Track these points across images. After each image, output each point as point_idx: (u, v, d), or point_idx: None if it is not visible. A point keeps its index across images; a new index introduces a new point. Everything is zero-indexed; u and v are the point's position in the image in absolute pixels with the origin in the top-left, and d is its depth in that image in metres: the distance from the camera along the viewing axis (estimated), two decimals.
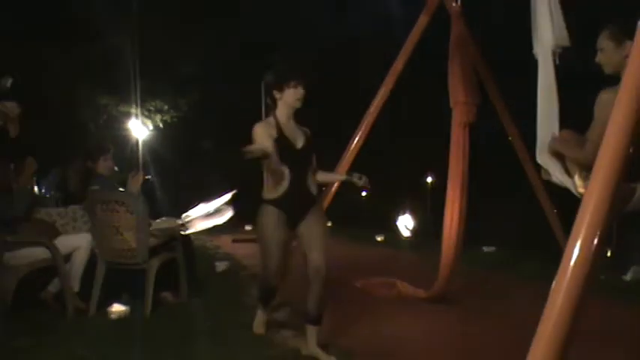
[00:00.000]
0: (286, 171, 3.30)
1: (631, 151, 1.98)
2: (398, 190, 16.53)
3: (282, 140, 3.32)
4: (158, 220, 4.95)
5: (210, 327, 3.99)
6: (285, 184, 3.31)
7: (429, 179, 18.82)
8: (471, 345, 3.62)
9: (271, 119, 3.41)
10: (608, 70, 3.23)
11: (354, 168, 4.49)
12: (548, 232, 5.38)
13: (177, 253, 4.81)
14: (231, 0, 16.76)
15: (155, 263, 4.42)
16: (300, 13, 17.18)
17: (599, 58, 3.25)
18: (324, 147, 3.96)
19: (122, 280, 4.57)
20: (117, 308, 4.25)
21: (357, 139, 4.58)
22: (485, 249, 8.85)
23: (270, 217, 3.35)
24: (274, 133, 3.33)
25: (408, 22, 4.92)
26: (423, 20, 4.66)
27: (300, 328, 3.85)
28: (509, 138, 5.25)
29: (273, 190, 3.35)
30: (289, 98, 3.34)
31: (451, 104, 4.48)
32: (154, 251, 4.50)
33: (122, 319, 4.18)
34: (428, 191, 18.06)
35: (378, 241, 11.23)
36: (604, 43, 3.19)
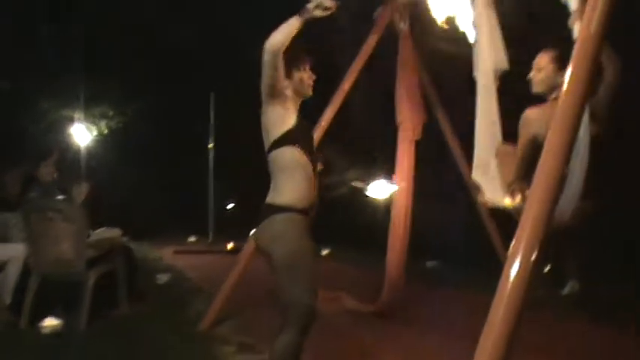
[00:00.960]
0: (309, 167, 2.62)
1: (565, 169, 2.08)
2: (344, 205, 16.63)
3: (300, 128, 2.68)
4: (98, 230, 4.81)
5: (150, 341, 3.88)
6: (310, 184, 2.61)
7: None
8: (415, 358, 3.66)
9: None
10: (538, 88, 3.38)
11: None
12: (490, 247, 5.52)
13: (117, 264, 4.67)
14: (181, 7, 16.55)
15: (93, 275, 4.28)
16: (243, 26, 17.16)
17: (535, 75, 3.39)
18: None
19: (57, 293, 4.40)
20: (50, 322, 4.09)
21: None
22: (429, 263, 9.00)
23: (299, 228, 2.55)
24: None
25: (357, 41, 4.97)
26: (371, 40, 4.72)
27: (243, 343, 3.81)
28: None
29: (297, 192, 2.56)
30: (303, 84, 2.71)
31: (397, 122, 4.56)
32: (92, 262, 4.35)
33: (56, 333, 4.02)
34: (375, 204, 18.25)
35: (323, 255, 11.26)
36: (545, 64, 3.34)
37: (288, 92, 2.66)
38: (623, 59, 3.18)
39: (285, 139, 2.57)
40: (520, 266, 1.77)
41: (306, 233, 2.58)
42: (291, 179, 2.57)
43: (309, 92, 2.72)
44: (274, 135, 2.59)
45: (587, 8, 2.18)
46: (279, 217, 2.52)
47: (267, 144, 2.65)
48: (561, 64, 3.25)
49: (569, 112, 2.08)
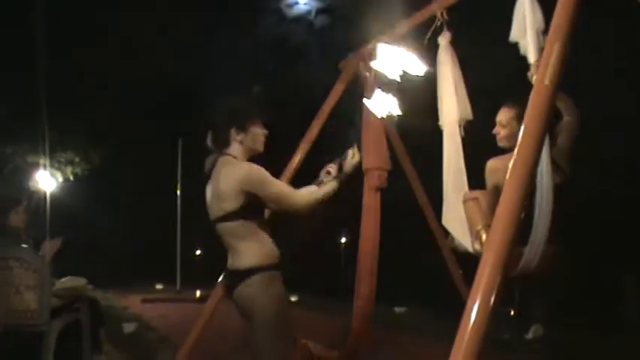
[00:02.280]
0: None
1: (522, 215, 2.17)
2: (311, 251, 16.62)
3: None
4: (63, 279, 4.71)
5: None
6: (271, 235, 2.58)
7: (343, 240, 19.09)
8: None
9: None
10: (504, 144, 3.51)
11: None
12: (455, 294, 5.58)
13: (81, 314, 4.57)
14: (147, 49, 16.67)
15: (57, 326, 4.17)
16: (212, 71, 17.36)
17: (499, 131, 3.52)
18: None
19: (18, 344, 4.27)
20: None
21: None
22: (397, 309, 9.01)
23: (276, 286, 2.49)
24: None
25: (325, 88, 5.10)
26: (338, 88, 4.86)
27: None
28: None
29: (263, 249, 2.51)
30: (255, 141, 2.64)
31: (363, 169, 4.65)
32: (56, 312, 4.25)
33: None
34: (342, 251, 18.29)
35: (292, 302, 11.16)
36: (507, 120, 3.47)
37: (240, 147, 2.59)
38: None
39: (242, 213, 2.47)
40: (478, 311, 1.83)
41: (283, 289, 2.50)
42: (253, 242, 2.49)
43: (261, 148, 2.66)
44: (231, 206, 2.48)
45: (542, 60, 2.33)
46: (254, 279, 2.44)
47: (218, 212, 2.54)
48: (523, 120, 3.39)
49: (524, 161, 2.19)
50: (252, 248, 2.47)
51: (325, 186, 2.55)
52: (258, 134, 2.63)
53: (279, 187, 2.52)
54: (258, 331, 2.45)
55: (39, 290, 4.07)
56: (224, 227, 2.50)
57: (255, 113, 2.65)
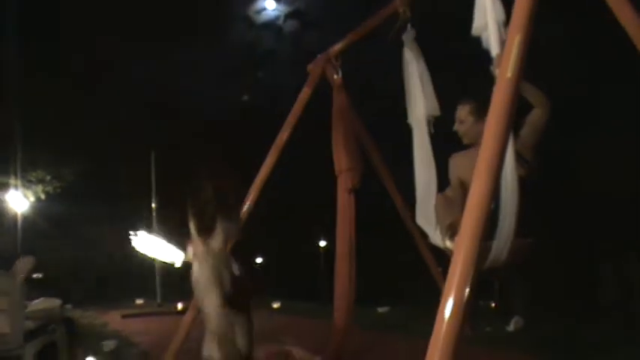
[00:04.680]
0: None
1: (491, 208, 2.17)
2: (291, 256, 16.60)
3: None
4: (36, 301, 4.61)
5: None
6: None
7: (323, 243, 19.08)
8: None
9: None
10: (466, 140, 3.53)
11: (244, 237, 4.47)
12: (437, 291, 5.60)
13: (57, 335, 4.48)
14: (118, 63, 16.50)
15: (31, 348, 4.08)
16: (185, 79, 17.23)
17: (459, 128, 3.55)
18: None
19: None
20: None
21: (245, 208, 4.59)
22: (380, 309, 9.01)
23: None
24: None
25: (293, 93, 5.08)
26: (306, 92, 4.85)
27: None
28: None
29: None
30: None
31: (336, 172, 4.65)
32: (30, 335, 4.16)
33: None
34: (320, 255, 18.29)
35: (274, 308, 11.11)
36: (465, 116, 3.50)
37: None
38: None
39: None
40: (453, 305, 1.83)
41: None
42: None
43: (237, 237, 2.88)
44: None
45: (504, 53, 2.34)
46: None
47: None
48: (480, 113, 3.41)
49: (489, 155, 2.19)
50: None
51: None
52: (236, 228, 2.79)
53: (223, 282, 2.57)
54: None
55: (11, 313, 3.98)
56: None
57: (238, 202, 2.90)
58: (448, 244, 3.52)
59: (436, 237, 3.69)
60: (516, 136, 3.16)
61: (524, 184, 3.02)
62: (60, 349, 4.49)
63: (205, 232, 2.68)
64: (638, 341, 4.86)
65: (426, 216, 3.70)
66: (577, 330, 5.64)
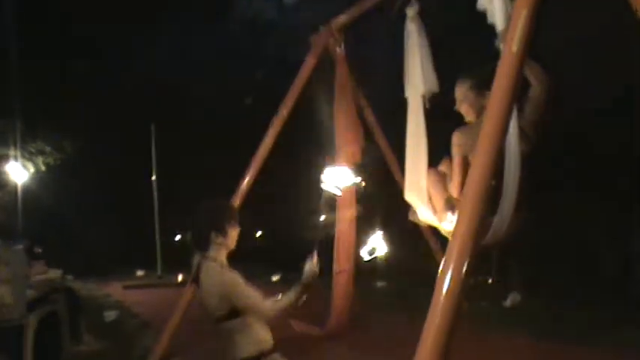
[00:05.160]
0: None
1: (493, 184, 2.17)
2: (293, 231, 16.61)
3: None
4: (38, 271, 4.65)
5: None
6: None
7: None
8: None
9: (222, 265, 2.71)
10: (470, 117, 3.50)
11: (243, 211, 4.48)
12: (435, 267, 5.64)
13: (58, 305, 4.52)
14: (130, 39, 16.35)
15: (34, 318, 4.12)
16: (187, 52, 17.08)
17: (460, 107, 3.52)
18: (219, 190, 3.91)
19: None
20: None
21: (246, 180, 4.57)
22: (379, 284, 9.09)
23: None
24: None
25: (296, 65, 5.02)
26: (309, 63, 4.79)
27: None
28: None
29: (263, 335, 2.64)
30: (233, 240, 2.76)
31: (336, 146, 4.64)
32: (32, 305, 4.20)
33: None
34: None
35: (274, 281, 11.19)
36: (464, 94, 3.47)
37: (219, 248, 2.67)
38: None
39: (233, 315, 2.56)
40: (451, 280, 1.84)
41: None
42: (246, 334, 2.58)
43: (233, 245, 2.75)
44: (220, 312, 2.56)
45: (510, 28, 2.31)
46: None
47: (212, 316, 2.60)
48: (479, 88, 3.39)
49: (493, 129, 2.18)
50: (245, 340, 2.57)
51: (286, 296, 2.61)
52: (233, 235, 2.73)
53: (250, 298, 2.56)
54: None
55: (13, 284, 4.00)
56: (221, 327, 2.60)
57: (232, 215, 2.76)
58: (442, 216, 3.51)
59: (426, 213, 3.67)
60: (520, 112, 3.15)
61: (526, 160, 3.02)
62: (62, 318, 4.54)
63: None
64: (634, 319, 4.91)
65: (416, 191, 3.67)
66: (573, 307, 5.69)
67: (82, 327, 4.90)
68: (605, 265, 7.44)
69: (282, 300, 2.60)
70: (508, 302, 5.48)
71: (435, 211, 3.59)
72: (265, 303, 2.56)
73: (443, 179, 3.57)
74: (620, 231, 7.40)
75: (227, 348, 2.60)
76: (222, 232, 2.67)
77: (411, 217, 4.07)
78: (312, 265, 2.66)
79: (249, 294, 2.55)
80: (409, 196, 3.73)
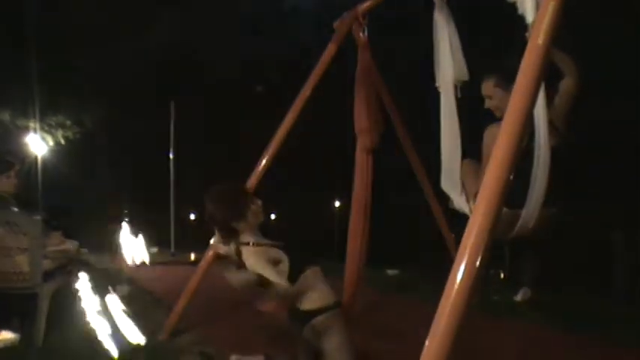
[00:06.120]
0: None
1: (511, 178, 2.16)
2: (305, 214, 16.68)
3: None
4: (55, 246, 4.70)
5: (109, 355, 3.82)
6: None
7: (337, 203, 19.13)
8: None
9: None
10: (499, 114, 3.49)
11: (258, 193, 4.49)
12: (448, 256, 5.63)
13: (74, 277, 4.60)
14: (146, 14, 16.38)
15: (49, 288, 4.20)
16: (211, 35, 17.06)
17: (489, 104, 3.52)
18: (229, 174, 3.93)
19: (12, 306, 4.30)
20: (4, 336, 3.99)
21: (263, 163, 4.58)
22: (390, 272, 9.09)
23: (342, 321, 2.80)
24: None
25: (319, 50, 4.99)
26: (331, 49, 4.77)
27: (203, 353, 3.80)
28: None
29: (325, 292, 2.78)
30: (256, 216, 2.82)
31: (356, 131, 4.63)
32: (48, 275, 4.27)
33: (10, 348, 3.92)
34: (335, 215, 18.37)
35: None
36: (491, 91, 3.47)
37: (248, 229, 2.74)
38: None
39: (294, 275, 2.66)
40: (465, 271, 1.83)
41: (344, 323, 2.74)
42: (313, 290, 2.70)
43: (262, 217, 2.83)
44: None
45: (537, 18, 2.27)
46: (322, 317, 2.67)
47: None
48: (505, 84, 3.37)
49: (515, 122, 2.16)
50: (313, 295, 2.69)
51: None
52: (256, 211, 2.80)
53: (271, 276, 2.61)
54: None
55: (30, 253, 4.07)
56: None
57: (246, 196, 2.83)
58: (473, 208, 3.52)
59: (461, 202, 3.70)
60: (550, 105, 3.12)
61: (556, 154, 3.00)
62: (75, 290, 4.61)
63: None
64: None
65: (452, 181, 3.71)
66: (586, 303, 5.66)
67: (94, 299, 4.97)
68: (620, 262, 7.40)
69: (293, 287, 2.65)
70: (519, 297, 5.46)
71: (467, 200, 3.61)
72: (282, 283, 2.60)
73: (477, 170, 3.57)
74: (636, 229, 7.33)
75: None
76: (244, 217, 2.72)
77: (450, 206, 4.08)
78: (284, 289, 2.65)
79: (269, 271, 2.60)
80: (445, 185, 3.75)
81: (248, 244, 2.69)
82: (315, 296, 2.69)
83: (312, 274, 2.73)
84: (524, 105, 2.16)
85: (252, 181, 4.48)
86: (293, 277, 2.65)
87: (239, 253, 2.72)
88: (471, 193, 3.62)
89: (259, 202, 2.86)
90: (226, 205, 2.76)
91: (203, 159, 16.88)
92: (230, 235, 2.75)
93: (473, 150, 3.82)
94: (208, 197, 2.80)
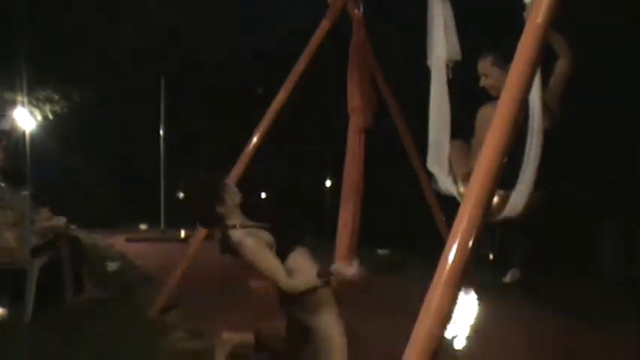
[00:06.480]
0: None
1: (505, 160, 2.14)
2: (295, 193, 16.66)
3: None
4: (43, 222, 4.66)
5: (97, 329, 3.82)
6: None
7: (328, 183, 19.13)
8: (363, 343, 3.72)
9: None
10: (494, 93, 3.46)
11: (249, 172, 4.46)
12: (438, 237, 5.64)
13: (62, 253, 4.56)
14: None
15: (37, 264, 4.16)
16: (203, 11, 16.83)
17: (485, 82, 3.48)
18: (220, 152, 3.88)
19: (2, 280, 4.27)
20: None
21: (253, 141, 4.53)
22: (380, 251, 9.13)
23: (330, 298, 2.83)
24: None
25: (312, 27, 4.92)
26: (324, 25, 4.70)
27: (193, 329, 3.80)
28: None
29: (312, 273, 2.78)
30: (235, 198, 2.79)
31: (348, 110, 4.59)
32: (36, 251, 4.24)
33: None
34: (327, 195, 18.37)
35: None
36: (488, 69, 3.43)
37: (230, 212, 2.71)
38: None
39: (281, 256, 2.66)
40: (457, 252, 1.82)
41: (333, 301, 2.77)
42: (301, 268, 2.68)
43: (239, 197, 2.78)
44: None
45: None
46: (311, 297, 2.67)
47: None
48: (502, 63, 3.34)
49: (511, 102, 2.13)
50: (301, 276, 2.66)
51: (304, 282, 2.65)
52: (234, 192, 2.77)
53: (268, 266, 2.61)
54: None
55: (18, 228, 4.03)
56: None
57: (219, 178, 2.82)
58: (462, 191, 3.51)
59: (447, 183, 3.67)
60: (544, 87, 3.10)
61: (549, 137, 2.98)
62: (65, 266, 4.59)
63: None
64: (632, 296, 4.94)
65: (439, 161, 3.66)
66: (574, 285, 5.72)
67: (84, 275, 4.95)
68: (608, 247, 7.46)
69: (298, 282, 2.64)
70: (507, 278, 5.49)
71: (455, 181, 3.58)
72: (281, 275, 2.58)
73: (466, 152, 3.55)
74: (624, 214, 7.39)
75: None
76: (222, 202, 2.69)
77: (433, 186, 4.06)
78: (349, 271, 2.76)
79: (266, 259, 2.59)
80: (432, 166, 3.72)
81: (235, 226, 2.68)
82: (303, 277, 2.68)
83: (299, 255, 2.74)
84: (521, 86, 2.13)
85: (242, 160, 4.44)
86: (280, 258, 2.65)
87: (227, 237, 2.70)
88: (459, 175, 3.59)
89: (232, 182, 2.87)
90: (205, 192, 2.73)
91: (193, 135, 16.78)
92: (215, 221, 2.73)
93: (461, 132, 3.79)
94: (185, 191, 2.79)
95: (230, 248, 2.66)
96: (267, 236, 2.65)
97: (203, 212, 2.76)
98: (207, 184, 2.78)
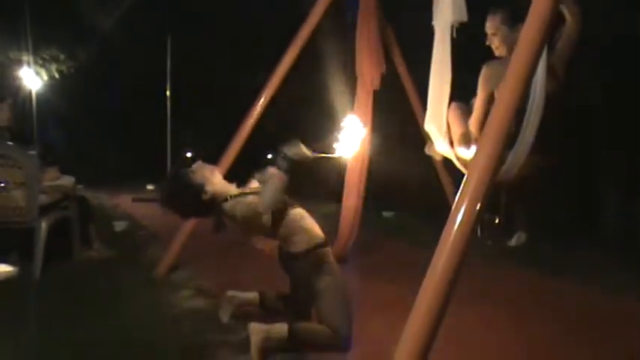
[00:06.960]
0: None
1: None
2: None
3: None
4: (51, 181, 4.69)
5: (105, 287, 3.88)
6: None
7: None
8: (364, 306, 3.76)
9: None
10: (501, 52, 3.40)
11: (252, 137, 4.43)
12: (446, 200, 5.64)
13: (70, 212, 4.60)
14: None
15: (46, 222, 4.20)
16: None
17: (492, 41, 3.42)
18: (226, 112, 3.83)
19: (9, 240, 4.32)
20: (3, 269, 4.03)
21: (257, 108, 4.44)
22: (385, 213, 9.16)
23: (330, 259, 2.83)
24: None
25: None
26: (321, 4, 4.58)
27: (199, 288, 3.85)
28: None
29: (313, 231, 2.83)
30: (217, 180, 2.84)
31: (357, 72, 4.54)
32: (45, 210, 4.27)
33: (8, 280, 3.97)
34: None
35: None
36: (496, 27, 3.37)
37: (217, 193, 2.76)
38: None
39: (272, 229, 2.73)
40: (464, 215, 1.82)
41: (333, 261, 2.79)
42: (300, 233, 2.74)
43: (221, 173, 2.88)
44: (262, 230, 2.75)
45: None
46: (311, 257, 2.72)
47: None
48: (511, 21, 3.28)
49: (521, 67, 2.10)
50: (299, 238, 2.73)
51: (277, 188, 2.64)
52: (204, 169, 2.81)
53: (247, 203, 2.69)
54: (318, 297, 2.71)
55: (26, 187, 4.05)
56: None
57: (186, 172, 2.80)
58: (459, 153, 3.49)
59: (442, 145, 3.66)
60: (551, 49, 3.05)
61: (550, 100, 2.95)
62: (73, 224, 4.63)
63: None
64: (634, 263, 4.96)
65: (436, 122, 3.63)
66: (577, 250, 5.73)
67: (92, 234, 5.00)
68: (609, 205, 7.47)
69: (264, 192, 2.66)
70: (513, 242, 5.51)
71: (451, 144, 3.56)
72: (258, 204, 2.65)
73: (464, 113, 3.52)
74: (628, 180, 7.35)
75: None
76: (207, 180, 2.76)
77: (427, 151, 4.04)
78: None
79: (248, 201, 2.68)
80: (429, 126, 3.68)
81: (226, 200, 2.71)
82: (300, 238, 2.72)
83: (296, 216, 2.76)
84: (533, 48, 2.09)
85: (247, 125, 4.40)
86: (275, 220, 2.67)
87: (221, 212, 2.74)
88: (456, 137, 3.57)
89: (210, 168, 2.86)
90: (187, 192, 2.76)
91: (199, 96, 16.66)
92: (209, 208, 2.76)
93: (461, 93, 3.74)
94: (166, 205, 2.80)
95: (225, 221, 2.74)
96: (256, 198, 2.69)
97: (194, 210, 2.85)
98: (178, 186, 2.79)
